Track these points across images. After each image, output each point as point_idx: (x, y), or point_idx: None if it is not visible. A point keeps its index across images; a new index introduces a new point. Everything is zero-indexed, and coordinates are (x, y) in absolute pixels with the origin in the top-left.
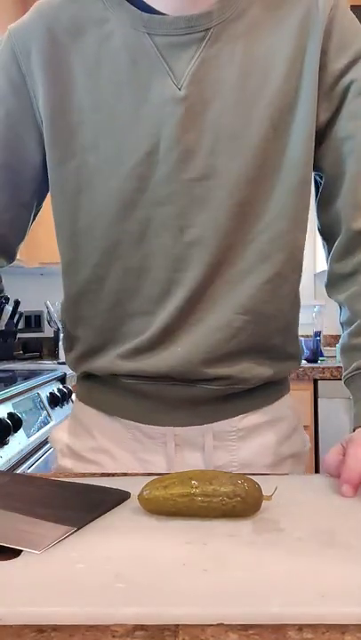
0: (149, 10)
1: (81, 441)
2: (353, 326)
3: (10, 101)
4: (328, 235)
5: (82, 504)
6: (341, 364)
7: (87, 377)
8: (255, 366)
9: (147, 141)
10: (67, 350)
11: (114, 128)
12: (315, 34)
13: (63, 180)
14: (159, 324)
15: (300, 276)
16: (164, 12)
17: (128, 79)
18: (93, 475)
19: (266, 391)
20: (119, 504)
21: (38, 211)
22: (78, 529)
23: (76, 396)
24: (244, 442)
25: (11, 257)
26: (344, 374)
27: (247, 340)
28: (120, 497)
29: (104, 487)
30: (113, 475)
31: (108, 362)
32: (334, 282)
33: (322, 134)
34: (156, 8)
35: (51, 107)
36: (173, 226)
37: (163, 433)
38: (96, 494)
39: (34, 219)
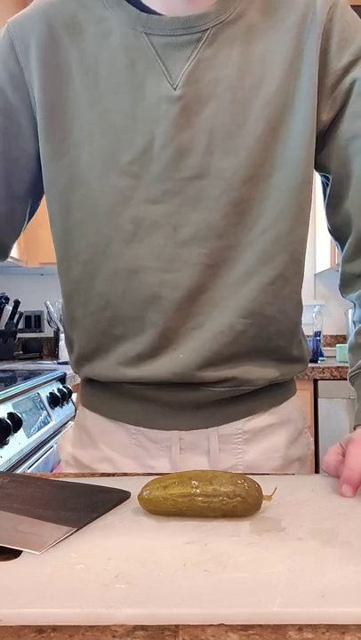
0: (148, 10)
1: (85, 451)
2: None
3: (7, 92)
4: (339, 235)
5: (82, 504)
6: (348, 362)
7: (89, 382)
8: (259, 368)
9: (141, 139)
10: (68, 352)
11: (109, 125)
12: (313, 34)
13: (55, 176)
14: (155, 328)
15: (301, 277)
16: (161, 12)
17: (125, 78)
18: (93, 475)
19: (272, 393)
20: (119, 504)
21: (34, 210)
22: (78, 529)
23: (80, 401)
24: (250, 445)
25: (4, 253)
26: (349, 371)
27: (250, 343)
28: (120, 497)
29: (104, 487)
30: (113, 475)
31: (108, 369)
32: (347, 282)
33: (327, 135)
34: (154, 9)
35: (46, 101)
36: (166, 225)
37: (167, 437)
38: (96, 494)
39: (29, 218)
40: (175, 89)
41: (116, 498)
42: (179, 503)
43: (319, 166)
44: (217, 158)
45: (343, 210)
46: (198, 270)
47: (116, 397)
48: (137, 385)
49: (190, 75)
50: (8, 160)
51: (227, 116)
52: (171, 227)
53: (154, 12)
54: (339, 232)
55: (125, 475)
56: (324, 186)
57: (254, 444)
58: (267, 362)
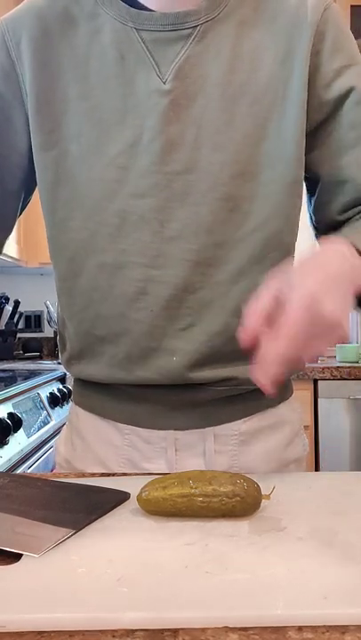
0: (140, 7)
1: (77, 454)
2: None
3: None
4: (323, 232)
5: (81, 505)
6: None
7: (82, 380)
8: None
9: (130, 132)
10: (60, 351)
11: (98, 118)
12: (305, 33)
13: (44, 168)
14: (140, 326)
15: None
16: (152, 9)
17: (115, 72)
18: (93, 475)
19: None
20: (118, 505)
21: (26, 204)
22: (77, 532)
23: (72, 399)
24: (246, 446)
25: None
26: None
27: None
28: (119, 498)
29: (103, 488)
30: (113, 474)
31: (98, 370)
32: (329, 226)
33: (317, 137)
34: (146, 5)
35: (36, 93)
36: (153, 220)
37: (162, 437)
38: (95, 495)
39: (21, 212)
40: (165, 83)
41: (115, 499)
42: (178, 503)
43: (308, 169)
44: (205, 153)
45: (329, 213)
46: (187, 267)
47: (108, 396)
48: (130, 387)
49: (180, 70)
50: (0, 155)
51: (215, 112)
52: (158, 222)
53: (145, 9)
54: (323, 230)
55: (125, 475)
56: (312, 189)
57: (250, 445)
58: None
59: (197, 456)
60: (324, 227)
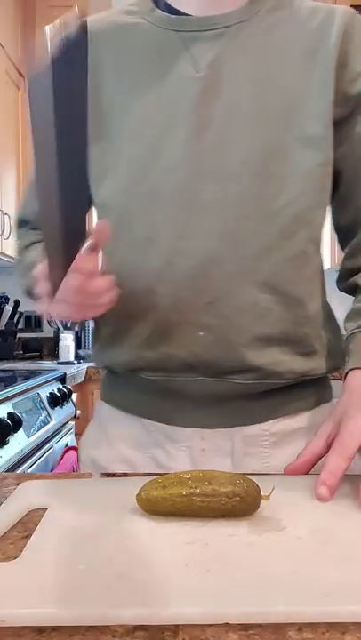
0: (178, 14)
1: (101, 451)
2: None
3: None
4: (345, 233)
5: None
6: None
7: (110, 374)
8: (287, 358)
9: (165, 112)
10: (93, 342)
11: (137, 106)
12: (334, 34)
13: (92, 155)
14: (167, 300)
15: (321, 260)
16: (190, 14)
17: (153, 65)
18: (108, 474)
19: (304, 393)
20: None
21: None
22: None
23: (100, 396)
24: (278, 448)
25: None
26: (347, 333)
27: (276, 325)
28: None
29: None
30: (113, 474)
31: (126, 353)
32: (343, 276)
33: (343, 132)
34: (185, 12)
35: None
36: (183, 194)
37: (188, 436)
38: None
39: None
40: (198, 72)
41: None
42: (177, 503)
43: (334, 164)
44: (235, 132)
45: (352, 209)
46: (213, 238)
47: (133, 389)
48: (157, 372)
49: (213, 61)
50: None
51: (245, 98)
52: (187, 195)
53: (183, 15)
54: (345, 230)
55: (125, 474)
56: (335, 185)
57: (283, 447)
58: (296, 352)
59: (224, 456)
60: (345, 228)
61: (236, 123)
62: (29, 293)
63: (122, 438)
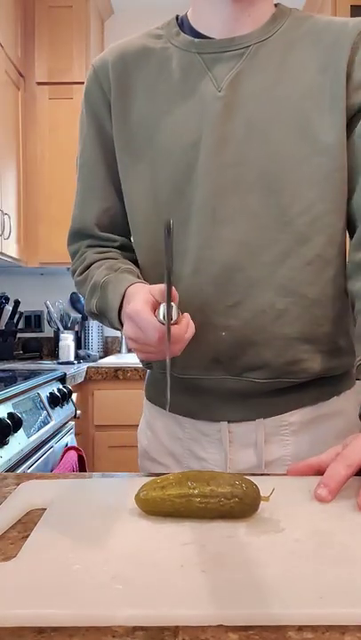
0: (202, 37)
1: (151, 444)
2: None
3: (102, 113)
4: (351, 226)
5: None
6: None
7: (149, 373)
8: (306, 357)
9: (192, 133)
10: None
11: (166, 124)
12: (345, 47)
13: (125, 177)
14: (192, 304)
15: (344, 260)
16: (212, 37)
17: (179, 88)
18: (92, 475)
19: (320, 387)
20: None
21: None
22: None
23: (144, 393)
24: (298, 436)
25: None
26: (356, 361)
27: (294, 325)
28: None
29: None
30: (113, 474)
31: None
32: (351, 272)
33: (348, 131)
34: (208, 35)
35: (116, 114)
36: (208, 206)
37: (217, 429)
38: None
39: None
40: (219, 91)
41: None
42: (176, 504)
43: None
44: (253, 147)
45: (354, 202)
46: (234, 247)
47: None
48: (184, 370)
49: (233, 80)
50: (110, 167)
51: (262, 113)
52: (211, 208)
53: (207, 38)
54: (351, 223)
55: (125, 475)
56: None
57: (302, 434)
58: (312, 353)
59: (249, 446)
60: (351, 222)
61: (254, 138)
62: (96, 315)
63: (164, 433)
